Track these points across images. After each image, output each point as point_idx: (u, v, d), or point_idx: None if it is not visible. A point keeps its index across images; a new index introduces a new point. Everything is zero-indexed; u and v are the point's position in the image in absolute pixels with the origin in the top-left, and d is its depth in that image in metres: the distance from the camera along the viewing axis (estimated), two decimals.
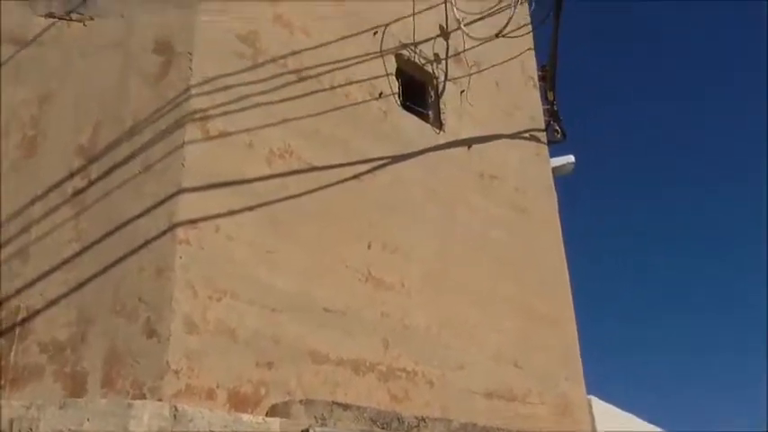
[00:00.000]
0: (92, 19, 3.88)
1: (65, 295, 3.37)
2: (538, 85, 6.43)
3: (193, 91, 3.73)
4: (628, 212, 24.43)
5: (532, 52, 6.35)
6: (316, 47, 4.46)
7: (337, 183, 4.25)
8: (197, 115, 3.69)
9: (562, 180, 7.33)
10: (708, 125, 23.31)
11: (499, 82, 5.89)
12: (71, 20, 3.86)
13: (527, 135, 5.95)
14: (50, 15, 3.85)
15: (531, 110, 6.20)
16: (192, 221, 3.51)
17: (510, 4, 5.80)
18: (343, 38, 4.66)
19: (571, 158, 7.28)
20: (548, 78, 6.27)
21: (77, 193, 3.52)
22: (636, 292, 23.79)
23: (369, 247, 4.26)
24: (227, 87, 3.88)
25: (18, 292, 3.38)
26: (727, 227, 23.21)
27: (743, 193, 22.79)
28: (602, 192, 22.81)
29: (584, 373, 5.44)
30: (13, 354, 3.31)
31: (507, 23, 5.37)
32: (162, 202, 3.49)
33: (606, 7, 22.81)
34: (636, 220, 24.24)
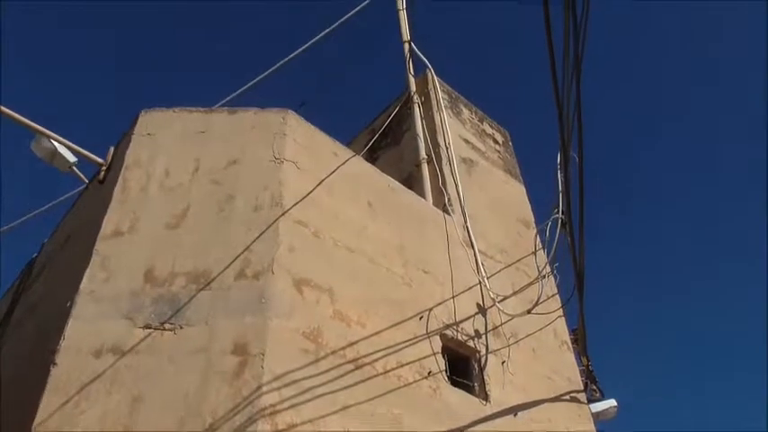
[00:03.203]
0: (181, 327, 4.15)
1: None
2: (572, 348, 6.42)
3: (264, 388, 3.84)
4: None
5: (563, 319, 6.43)
6: (370, 336, 4.62)
7: None
8: (267, 411, 3.76)
9: (607, 425, 6.99)
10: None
11: (536, 349, 5.91)
12: (164, 329, 4.13)
13: (567, 397, 5.81)
14: (147, 327, 4.14)
15: (568, 372, 6.13)
16: None
17: (538, 279, 6.00)
18: (394, 325, 4.83)
19: (613, 402, 6.98)
20: (579, 342, 6.26)
21: None
22: None
23: None
24: (293, 382, 3.98)
25: None
26: None
27: None
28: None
29: None
30: None
31: (537, 300, 5.52)
32: None
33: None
34: None
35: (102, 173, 5.52)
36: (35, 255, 6.60)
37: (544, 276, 5.94)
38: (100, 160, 5.66)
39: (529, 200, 7.80)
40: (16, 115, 5.58)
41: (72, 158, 6.25)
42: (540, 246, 6.12)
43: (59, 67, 24.00)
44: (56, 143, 6.14)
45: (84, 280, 4.39)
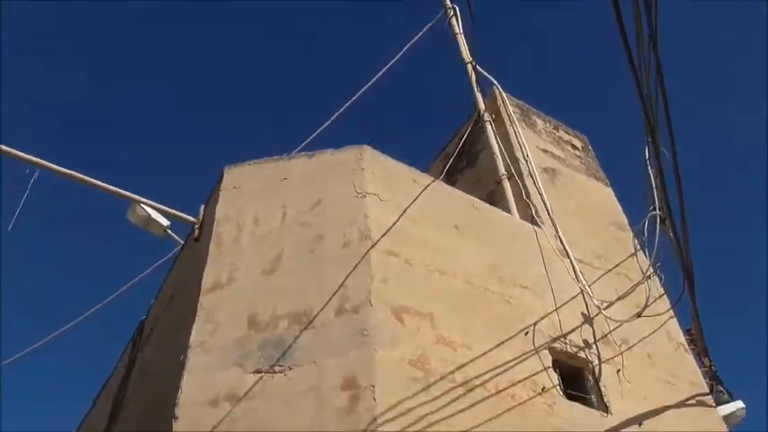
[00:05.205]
0: (290, 368, 4.20)
1: None
2: (689, 349, 6.07)
3: (380, 420, 3.81)
4: None
5: (675, 320, 6.12)
6: (477, 357, 4.53)
7: None
8: None
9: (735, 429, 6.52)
10: None
11: (651, 354, 5.63)
12: (274, 372, 4.19)
13: (693, 402, 5.47)
14: (258, 371, 4.21)
15: (690, 375, 5.79)
16: None
17: (643, 281, 5.75)
18: (499, 344, 4.72)
19: (740, 404, 6.50)
20: (697, 342, 5.92)
21: None
22: None
23: None
24: (408, 410, 3.94)
25: None
26: None
27: None
28: None
29: None
30: None
31: (646, 303, 5.28)
32: None
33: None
34: None
35: (197, 230, 5.74)
36: (143, 317, 6.90)
37: (649, 277, 5.68)
38: (192, 219, 5.89)
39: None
40: (111, 187, 5.92)
41: (165, 222, 6.53)
42: (640, 246, 5.88)
43: (144, 128, 25.33)
44: (149, 209, 6.44)
45: (193, 333, 4.53)
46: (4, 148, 5.76)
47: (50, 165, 5.84)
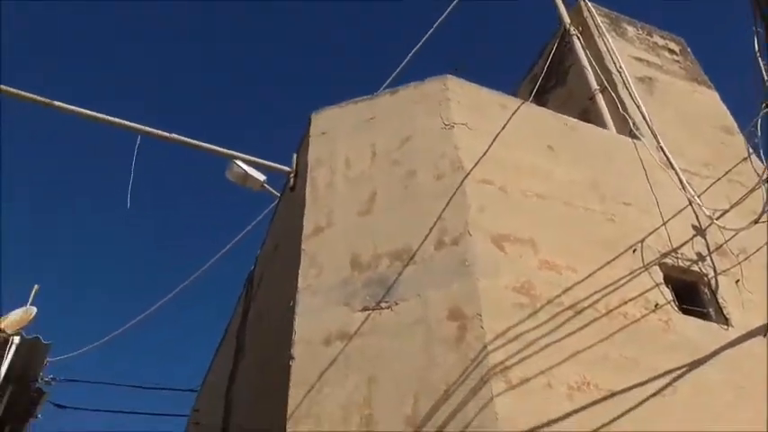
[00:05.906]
0: (396, 304, 4.24)
1: None
2: None
3: (489, 347, 3.80)
4: None
5: None
6: (584, 279, 4.40)
7: (640, 404, 3.90)
8: (498, 368, 3.72)
9: None
10: None
11: None
12: (381, 309, 4.25)
13: None
14: (365, 309, 4.29)
15: None
16: None
17: (759, 185, 5.34)
18: (607, 264, 4.56)
19: None
20: None
21: None
22: None
23: None
24: (516, 337, 3.90)
25: None
26: None
27: None
28: None
29: None
30: None
31: (763, 209, 4.90)
32: None
33: None
34: None
35: (292, 179, 5.83)
36: (252, 267, 7.17)
37: (766, 181, 5.25)
38: (287, 168, 5.98)
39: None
40: (210, 145, 6.09)
41: (262, 177, 6.65)
42: (752, 149, 5.45)
43: (230, 87, 25.89)
44: (245, 166, 6.58)
45: (300, 278, 4.65)
46: (109, 118, 6.03)
47: (153, 130, 6.08)
